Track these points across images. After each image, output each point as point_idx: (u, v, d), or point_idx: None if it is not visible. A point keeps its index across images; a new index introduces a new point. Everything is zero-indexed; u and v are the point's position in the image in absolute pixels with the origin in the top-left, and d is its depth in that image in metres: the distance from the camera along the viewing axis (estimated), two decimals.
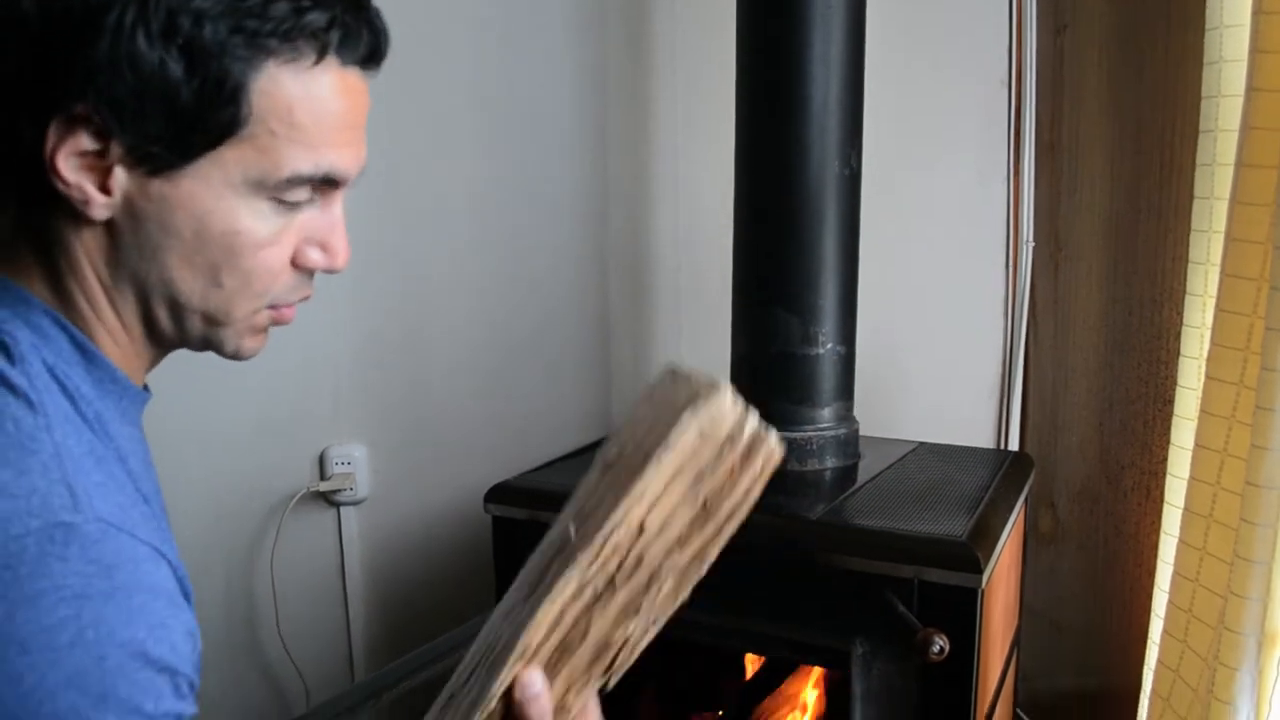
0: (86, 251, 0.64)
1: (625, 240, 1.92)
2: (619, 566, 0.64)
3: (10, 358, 0.61)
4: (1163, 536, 1.26)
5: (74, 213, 0.63)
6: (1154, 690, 1.19)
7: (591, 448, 1.69)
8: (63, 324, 0.65)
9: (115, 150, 0.61)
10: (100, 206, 0.62)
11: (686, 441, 0.64)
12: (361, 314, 1.89)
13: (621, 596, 0.65)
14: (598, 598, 0.64)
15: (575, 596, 0.64)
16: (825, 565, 1.26)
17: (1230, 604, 1.02)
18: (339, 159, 0.67)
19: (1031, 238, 1.87)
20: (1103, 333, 1.71)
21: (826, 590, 1.26)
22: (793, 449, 1.48)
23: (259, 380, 1.85)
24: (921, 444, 1.68)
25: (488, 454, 1.91)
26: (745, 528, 1.34)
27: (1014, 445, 1.95)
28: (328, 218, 0.69)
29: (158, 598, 0.58)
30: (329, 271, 0.71)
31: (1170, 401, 1.53)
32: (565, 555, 0.65)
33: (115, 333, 0.67)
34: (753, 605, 1.32)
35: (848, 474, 1.50)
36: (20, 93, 0.60)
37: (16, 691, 0.52)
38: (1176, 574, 1.13)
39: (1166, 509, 1.24)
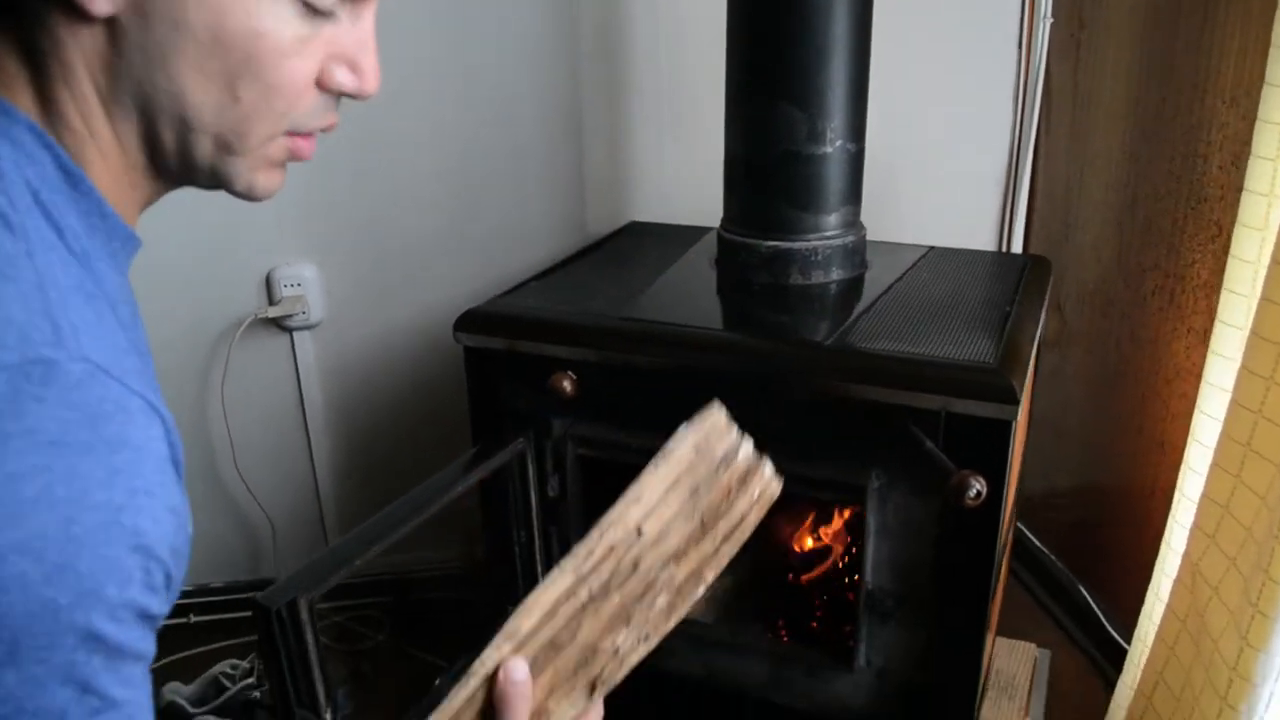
0: (83, 54, 0.56)
1: (598, 25, 1.70)
2: (615, 569, 0.66)
3: None
4: (1211, 356, 1.13)
5: (71, 7, 0.54)
6: (1197, 524, 1.10)
7: (566, 263, 1.54)
8: (48, 143, 0.56)
9: None
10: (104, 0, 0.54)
11: (682, 453, 0.68)
12: None
13: (615, 601, 0.66)
14: (592, 598, 0.65)
15: (570, 593, 0.65)
16: (840, 396, 1.14)
17: None
18: None
19: (1050, 13, 1.68)
20: (1129, 121, 1.54)
21: (838, 421, 1.15)
22: (796, 260, 1.34)
23: (190, 194, 1.66)
24: (931, 249, 1.54)
25: (452, 270, 1.76)
26: (751, 358, 1.21)
27: (1017, 245, 1.82)
28: (358, 33, 0.62)
29: (145, 459, 0.50)
30: (357, 97, 0.63)
31: (1205, 200, 1.39)
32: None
33: (110, 154, 0.59)
34: (757, 437, 1.20)
35: (855, 287, 1.36)
36: None
37: None
38: (1235, 403, 1.01)
39: (1219, 326, 1.11)
